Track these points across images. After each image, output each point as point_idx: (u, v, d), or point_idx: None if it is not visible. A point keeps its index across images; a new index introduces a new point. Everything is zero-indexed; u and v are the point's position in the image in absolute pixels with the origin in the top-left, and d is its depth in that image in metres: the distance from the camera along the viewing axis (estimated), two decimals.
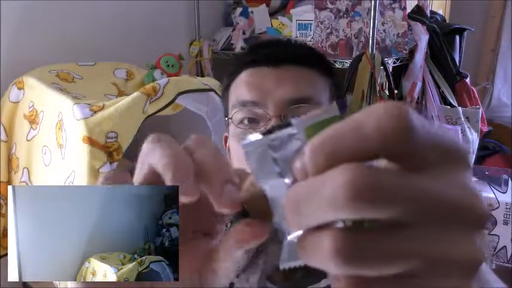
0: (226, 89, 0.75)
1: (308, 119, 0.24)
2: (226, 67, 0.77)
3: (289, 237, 0.24)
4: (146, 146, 0.28)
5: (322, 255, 0.20)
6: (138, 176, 0.29)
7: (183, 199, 0.26)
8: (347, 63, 1.73)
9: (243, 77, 0.71)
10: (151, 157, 0.27)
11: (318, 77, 0.71)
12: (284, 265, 0.24)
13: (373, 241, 0.19)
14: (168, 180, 0.26)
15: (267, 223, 0.26)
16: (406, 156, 0.19)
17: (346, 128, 0.20)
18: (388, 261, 0.19)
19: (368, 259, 0.19)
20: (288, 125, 0.24)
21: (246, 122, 0.68)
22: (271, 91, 0.67)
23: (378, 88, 1.63)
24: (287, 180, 0.24)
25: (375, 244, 0.19)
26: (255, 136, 0.26)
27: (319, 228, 0.20)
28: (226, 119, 0.72)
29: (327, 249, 0.19)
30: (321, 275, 0.63)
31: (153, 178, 0.28)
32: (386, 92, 1.73)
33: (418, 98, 1.89)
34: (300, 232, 0.22)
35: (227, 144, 0.75)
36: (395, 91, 1.78)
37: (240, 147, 0.68)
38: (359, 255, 0.19)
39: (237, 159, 0.69)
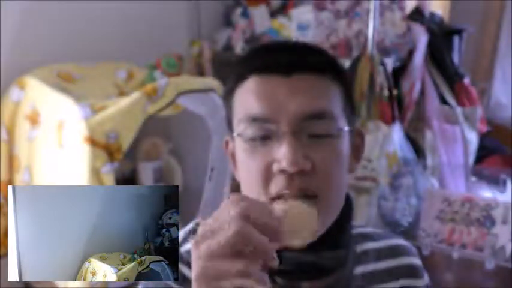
0: (230, 92, 0.69)
1: None
2: (227, 67, 0.73)
3: None
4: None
5: None
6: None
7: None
8: (346, 64, 1.73)
9: (252, 85, 0.66)
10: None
11: (331, 85, 0.66)
12: None
13: None
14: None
15: None
16: None
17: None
18: None
19: None
20: None
21: (258, 140, 0.63)
22: (284, 105, 0.63)
23: (377, 89, 1.63)
24: None
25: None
26: None
27: None
28: (234, 134, 0.68)
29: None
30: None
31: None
32: (386, 93, 1.73)
33: (417, 98, 1.89)
34: None
35: (228, 148, 0.72)
36: (395, 91, 1.78)
37: (250, 163, 0.65)
38: None
39: (246, 173, 0.65)
